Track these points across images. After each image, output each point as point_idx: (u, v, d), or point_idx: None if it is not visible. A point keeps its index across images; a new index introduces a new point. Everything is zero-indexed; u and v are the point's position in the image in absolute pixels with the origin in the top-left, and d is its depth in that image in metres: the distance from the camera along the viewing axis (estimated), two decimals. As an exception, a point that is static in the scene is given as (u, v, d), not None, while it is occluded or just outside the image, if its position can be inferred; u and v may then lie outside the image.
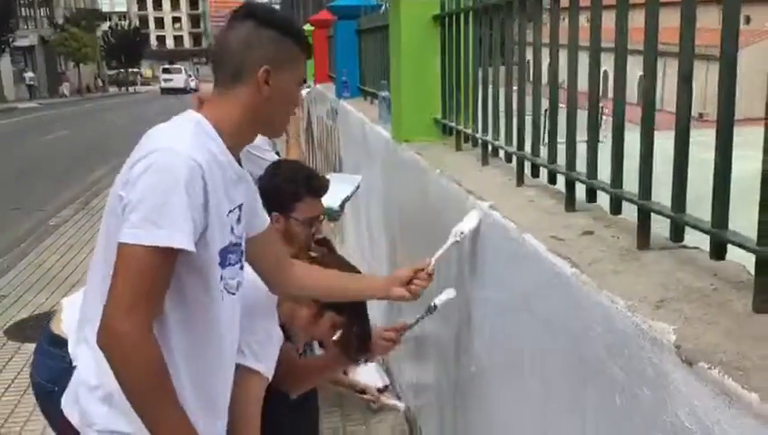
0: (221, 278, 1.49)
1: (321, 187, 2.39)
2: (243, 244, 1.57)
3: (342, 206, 3.18)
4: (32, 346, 4.48)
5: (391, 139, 3.37)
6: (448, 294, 2.08)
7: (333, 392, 3.46)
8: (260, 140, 2.42)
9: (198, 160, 1.36)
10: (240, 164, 1.54)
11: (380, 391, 3.43)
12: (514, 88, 2.23)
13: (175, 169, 1.33)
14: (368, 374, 3.52)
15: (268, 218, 1.72)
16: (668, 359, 1.07)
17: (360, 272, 2.34)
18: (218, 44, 1.52)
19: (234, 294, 1.54)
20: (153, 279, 1.33)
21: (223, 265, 1.49)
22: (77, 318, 1.61)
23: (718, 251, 1.23)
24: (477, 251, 2.05)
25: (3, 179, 11.28)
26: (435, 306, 2.08)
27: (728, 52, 1.16)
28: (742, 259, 1.24)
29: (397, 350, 2.26)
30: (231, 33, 1.49)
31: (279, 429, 1.96)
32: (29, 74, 39.69)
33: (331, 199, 2.94)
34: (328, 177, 3.11)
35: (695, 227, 1.26)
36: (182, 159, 1.34)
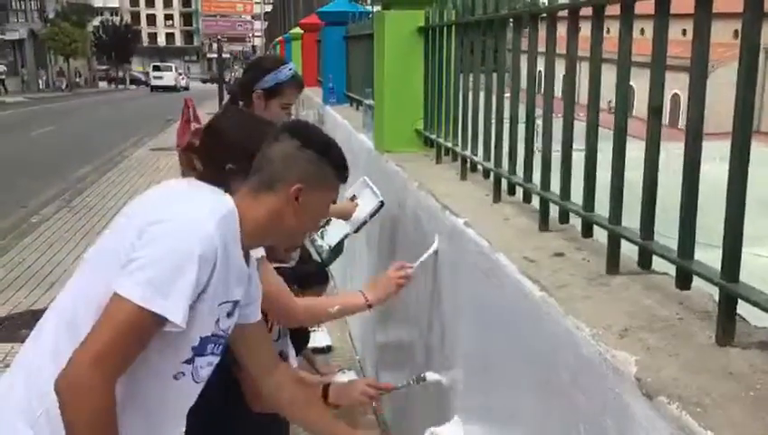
0: (192, 363, 1.47)
1: None
2: (226, 338, 1.55)
3: (339, 245, 2.92)
4: (6, 346, 4.48)
5: (374, 148, 3.36)
6: (438, 376, 2.13)
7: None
8: None
9: (217, 245, 1.36)
10: (247, 261, 1.55)
11: None
12: (493, 104, 2.22)
13: (196, 243, 1.33)
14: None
15: (259, 315, 1.70)
16: (630, 390, 1.06)
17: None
18: (262, 152, 1.56)
19: (197, 383, 1.53)
20: (134, 339, 1.32)
21: (200, 352, 1.47)
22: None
23: (684, 281, 1.22)
24: (454, 265, 2.04)
25: (-14, 175, 11.18)
26: (424, 378, 2.13)
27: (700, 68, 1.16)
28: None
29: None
30: (275, 146, 1.54)
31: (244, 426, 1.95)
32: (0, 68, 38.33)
33: (331, 235, 2.84)
34: (359, 182, 2.99)
35: (661, 255, 1.25)
36: (206, 238, 1.35)
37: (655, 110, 1.27)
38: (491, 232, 1.81)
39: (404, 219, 2.69)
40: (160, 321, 1.32)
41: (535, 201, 1.92)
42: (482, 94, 2.32)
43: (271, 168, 1.53)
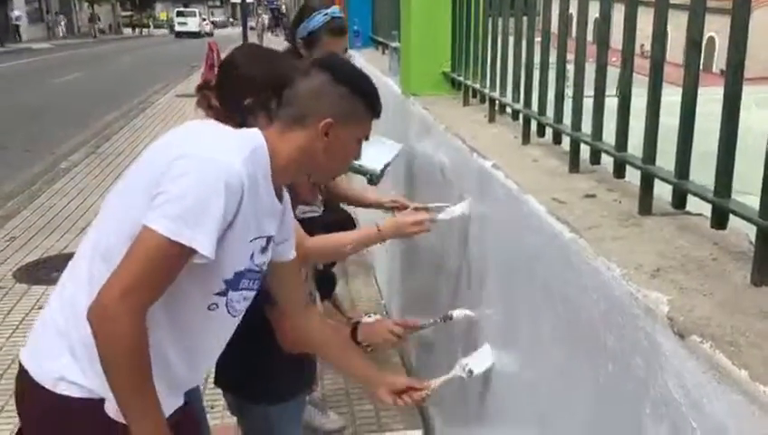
0: (225, 295, 1.49)
1: None
2: (262, 273, 1.56)
3: (383, 171, 2.97)
4: (40, 289, 4.58)
5: (400, 92, 3.31)
6: (466, 311, 2.10)
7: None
8: None
9: (243, 178, 1.36)
10: (280, 198, 1.54)
11: None
12: (523, 43, 2.16)
13: (222, 175, 1.34)
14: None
15: (293, 252, 1.70)
16: (661, 330, 1.05)
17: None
18: (292, 87, 1.53)
19: (233, 316, 1.55)
20: (164, 271, 1.34)
21: (234, 287, 1.49)
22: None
23: (720, 220, 1.20)
24: (481, 209, 2.02)
25: (15, 121, 11.29)
26: (450, 317, 2.10)
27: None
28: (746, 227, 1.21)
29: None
30: (306, 80, 1.51)
31: (269, 365, 1.99)
32: (15, 13, 36.95)
33: (374, 162, 2.87)
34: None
35: (696, 194, 1.22)
36: (232, 170, 1.35)
37: (693, 43, 1.22)
38: (520, 174, 1.78)
39: (430, 163, 2.67)
40: (189, 252, 1.32)
41: (565, 143, 1.88)
42: (511, 35, 2.26)
43: (300, 103, 1.51)
